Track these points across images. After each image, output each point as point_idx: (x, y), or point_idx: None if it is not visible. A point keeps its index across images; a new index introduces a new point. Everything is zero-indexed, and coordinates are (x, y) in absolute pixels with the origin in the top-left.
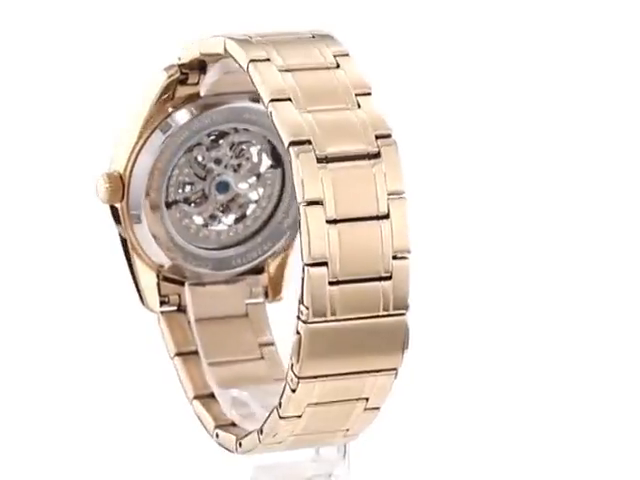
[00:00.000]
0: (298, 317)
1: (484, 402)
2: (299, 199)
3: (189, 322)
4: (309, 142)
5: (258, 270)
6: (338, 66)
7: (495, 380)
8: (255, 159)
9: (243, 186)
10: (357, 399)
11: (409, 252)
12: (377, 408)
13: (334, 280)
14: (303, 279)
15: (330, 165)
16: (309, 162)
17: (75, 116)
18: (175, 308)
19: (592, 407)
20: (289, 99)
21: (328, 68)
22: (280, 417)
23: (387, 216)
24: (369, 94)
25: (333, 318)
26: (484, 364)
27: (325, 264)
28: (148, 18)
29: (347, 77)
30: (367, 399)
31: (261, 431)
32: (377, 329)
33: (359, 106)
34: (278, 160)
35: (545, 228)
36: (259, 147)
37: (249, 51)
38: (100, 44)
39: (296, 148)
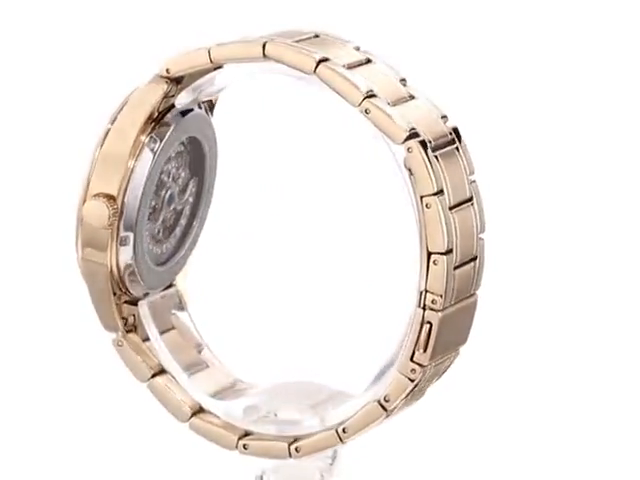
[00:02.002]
0: (424, 307)
1: (485, 402)
2: (426, 191)
3: (145, 340)
4: (418, 134)
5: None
6: (369, 61)
7: (494, 380)
8: (183, 169)
9: (180, 197)
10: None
11: (484, 231)
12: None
13: (454, 265)
14: (429, 268)
15: (438, 154)
16: (428, 154)
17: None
18: (131, 329)
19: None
20: (375, 95)
21: (364, 64)
22: (385, 410)
23: (472, 198)
24: (406, 84)
25: (449, 304)
26: (483, 364)
27: (451, 251)
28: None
29: (387, 70)
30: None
31: (344, 430)
32: (465, 310)
33: (412, 96)
34: (196, 169)
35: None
36: (182, 158)
37: (309, 52)
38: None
39: (412, 141)
